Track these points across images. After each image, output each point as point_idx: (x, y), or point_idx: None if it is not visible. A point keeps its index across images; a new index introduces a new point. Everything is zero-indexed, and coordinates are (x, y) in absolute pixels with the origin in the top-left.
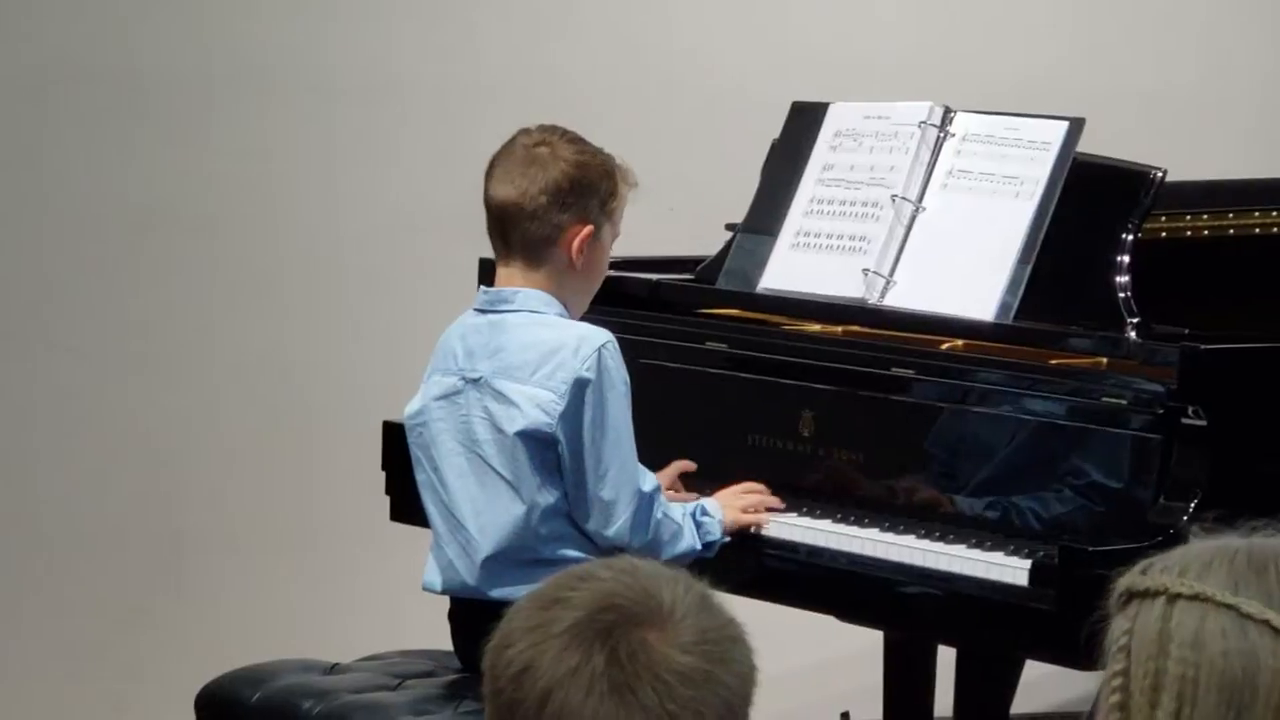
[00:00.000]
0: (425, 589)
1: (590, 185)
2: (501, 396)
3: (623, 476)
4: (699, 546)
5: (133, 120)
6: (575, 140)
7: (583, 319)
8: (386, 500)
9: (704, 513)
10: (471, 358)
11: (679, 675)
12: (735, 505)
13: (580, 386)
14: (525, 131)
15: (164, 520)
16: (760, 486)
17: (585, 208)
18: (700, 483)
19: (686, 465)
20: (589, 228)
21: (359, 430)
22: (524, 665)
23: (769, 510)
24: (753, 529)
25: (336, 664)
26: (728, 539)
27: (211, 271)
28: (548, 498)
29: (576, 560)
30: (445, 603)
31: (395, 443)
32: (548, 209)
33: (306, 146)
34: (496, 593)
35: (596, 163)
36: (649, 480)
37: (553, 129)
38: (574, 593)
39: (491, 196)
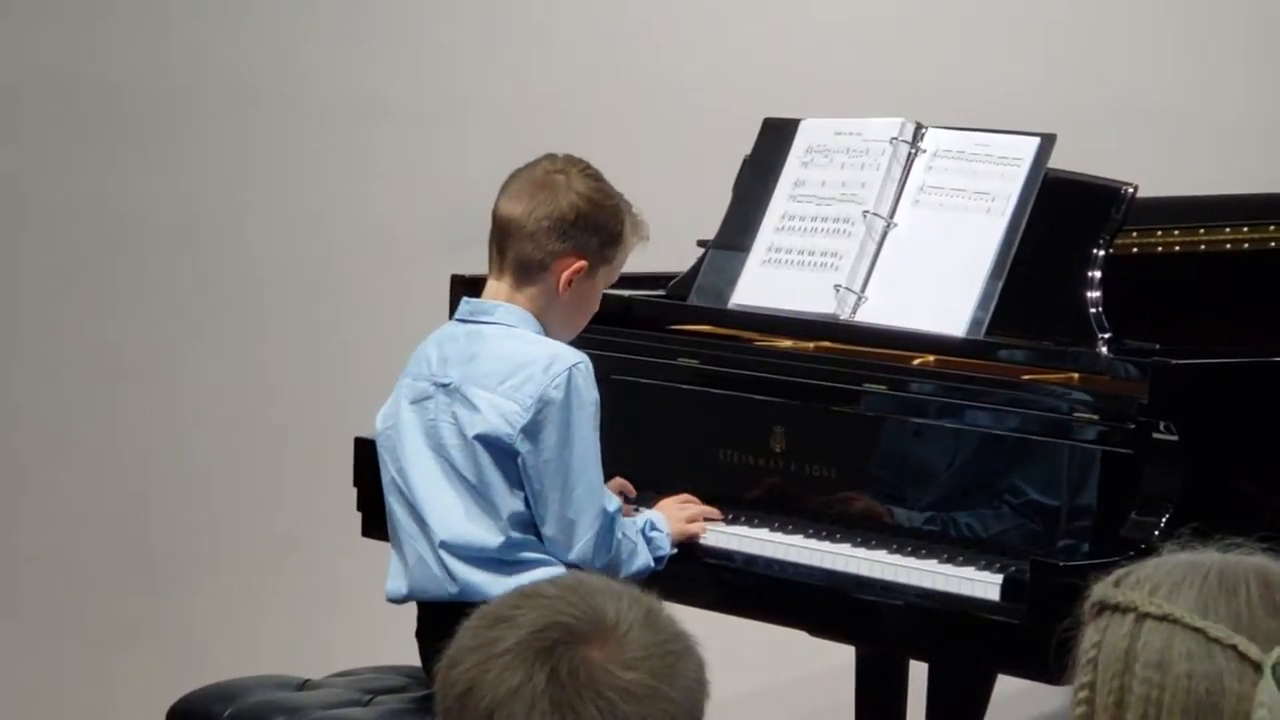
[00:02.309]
0: (389, 599)
1: (595, 223)
2: (468, 402)
3: (588, 497)
4: (653, 564)
5: (109, 134)
6: (594, 177)
7: None
8: (359, 516)
9: (653, 527)
10: (445, 364)
11: (621, 692)
12: (679, 517)
13: (546, 404)
14: (550, 157)
15: (136, 536)
16: (693, 498)
17: (584, 243)
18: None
19: (627, 487)
20: (582, 263)
21: (331, 446)
22: (468, 685)
23: (708, 520)
24: (699, 539)
25: (308, 680)
26: (675, 551)
27: (185, 287)
28: (517, 504)
29: (547, 560)
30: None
31: (366, 459)
32: (547, 234)
33: (282, 161)
34: (469, 577)
35: (609, 204)
36: (612, 501)
37: (577, 161)
38: (519, 611)
39: (498, 209)
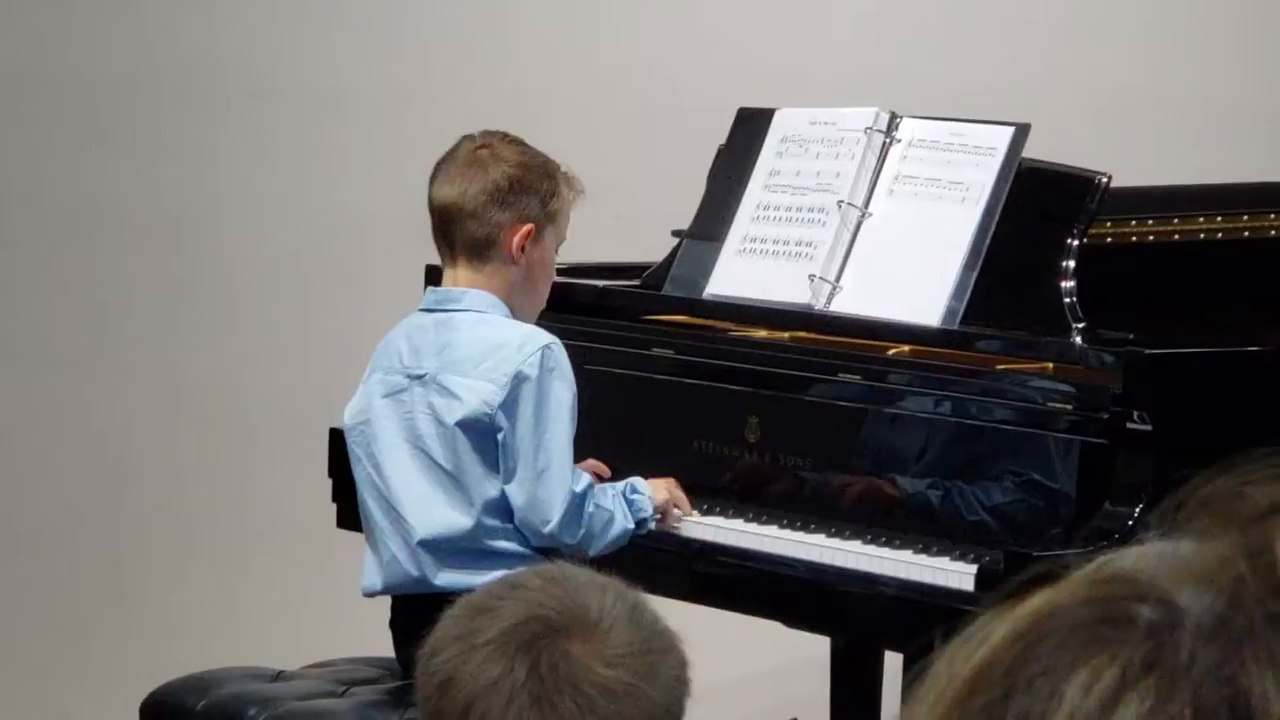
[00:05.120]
0: (365, 593)
1: (530, 185)
2: (445, 390)
3: (558, 475)
4: (631, 526)
5: (78, 126)
6: (516, 142)
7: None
8: (333, 507)
9: (634, 490)
10: (417, 355)
11: (600, 688)
12: (662, 486)
13: (521, 381)
14: (469, 137)
15: (108, 527)
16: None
17: (525, 207)
18: None
19: (600, 468)
20: (529, 226)
21: (304, 437)
22: (448, 675)
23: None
24: (673, 525)
25: (282, 671)
26: (659, 516)
27: (157, 280)
28: (491, 490)
29: (519, 553)
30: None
31: (341, 450)
32: (487, 207)
33: (254, 154)
34: (441, 579)
35: (537, 163)
36: (581, 480)
37: (495, 133)
38: (502, 602)
39: (433, 198)
